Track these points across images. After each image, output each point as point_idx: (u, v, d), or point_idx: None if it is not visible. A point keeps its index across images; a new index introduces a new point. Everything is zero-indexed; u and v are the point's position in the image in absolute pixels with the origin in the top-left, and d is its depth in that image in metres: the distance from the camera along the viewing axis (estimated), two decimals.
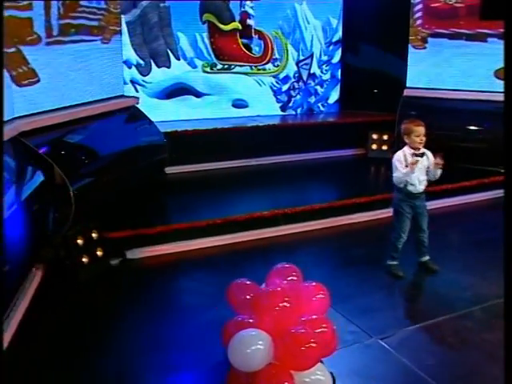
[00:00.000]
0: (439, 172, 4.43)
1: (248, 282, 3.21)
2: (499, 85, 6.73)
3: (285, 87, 8.54)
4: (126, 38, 7.17)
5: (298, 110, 8.70)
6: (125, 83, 6.98)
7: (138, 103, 6.64)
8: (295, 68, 8.57)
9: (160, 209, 6.04)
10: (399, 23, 7.89)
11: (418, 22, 7.78)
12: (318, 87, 8.79)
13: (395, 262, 4.63)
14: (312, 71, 8.70)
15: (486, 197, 6.61)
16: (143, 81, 7.58)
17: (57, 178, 4.62)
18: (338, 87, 8.94)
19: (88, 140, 5.40)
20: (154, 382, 3.32)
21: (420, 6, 7.74)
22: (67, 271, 4.49)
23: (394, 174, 4.45)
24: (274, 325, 2.83)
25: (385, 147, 7.79)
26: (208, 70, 8.00)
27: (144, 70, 7.57)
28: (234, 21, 8.00)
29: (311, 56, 8.64)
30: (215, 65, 8.03)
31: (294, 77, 8.57)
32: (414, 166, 4.32)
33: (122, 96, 6.51)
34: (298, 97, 8.67)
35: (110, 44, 6.12)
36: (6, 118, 4.21)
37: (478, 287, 4.40)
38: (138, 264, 4.88)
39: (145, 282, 4.54)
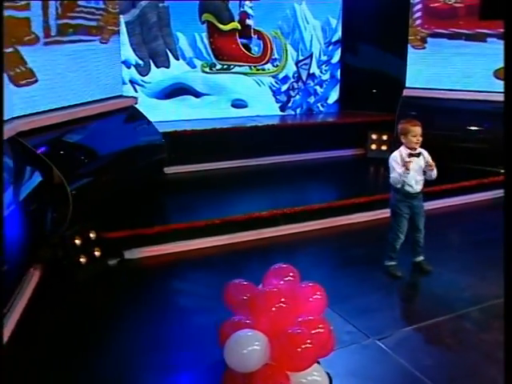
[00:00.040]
0: (435, 172, 4.42)
1: (245, 283, 3.20)
2: (499, 85, 6.71)
3: (284, 87, 8.53)
4: (125, 38, 7.16)
5: (298, 110, 8.69)
6: (124, 83, 6.98)
7: (136, 103, 6.64)
8: (294, 68, 8.56)
9: (159, 209, 6.03)
10: (398, 23, 7.87)
11: (418, 21, 7.76)
12: (318, 87, 8.78)
13: (393, 263, 4.62)
14: (311, 71, 8.69)
15: (486, 197, 6.59)
16: (142, 81, 7.58)
17: (55, 178, 4.61)
18: (338, 87, 8.92)
19: (86, 140, 5.40)
20: (151, 381, 3.32)
21: (419, 6, 7.73)
22: (65, 271, 4.49)
23: (391, 175, 4.44)
24: (271, 325, 2.82)
25: (384, 147, 7.77)
26: (207, 70, 7.99)
27: (143, 70, 7.56)
28: (234, 21, 7.99)
29: (310, 56, 8.63)
30: (214, 65, 8.02)
31: (294, 77, 8.56)
32: (409, 165, 4.30)
33: (121, 96, 6.50)
34: (298, 97, 8.66)
35: (109, 44, 6.12)
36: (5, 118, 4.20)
37: (477, 287, 4.39)
38: (137, 264, 4.87)
39: (143, 282, 4.54)
